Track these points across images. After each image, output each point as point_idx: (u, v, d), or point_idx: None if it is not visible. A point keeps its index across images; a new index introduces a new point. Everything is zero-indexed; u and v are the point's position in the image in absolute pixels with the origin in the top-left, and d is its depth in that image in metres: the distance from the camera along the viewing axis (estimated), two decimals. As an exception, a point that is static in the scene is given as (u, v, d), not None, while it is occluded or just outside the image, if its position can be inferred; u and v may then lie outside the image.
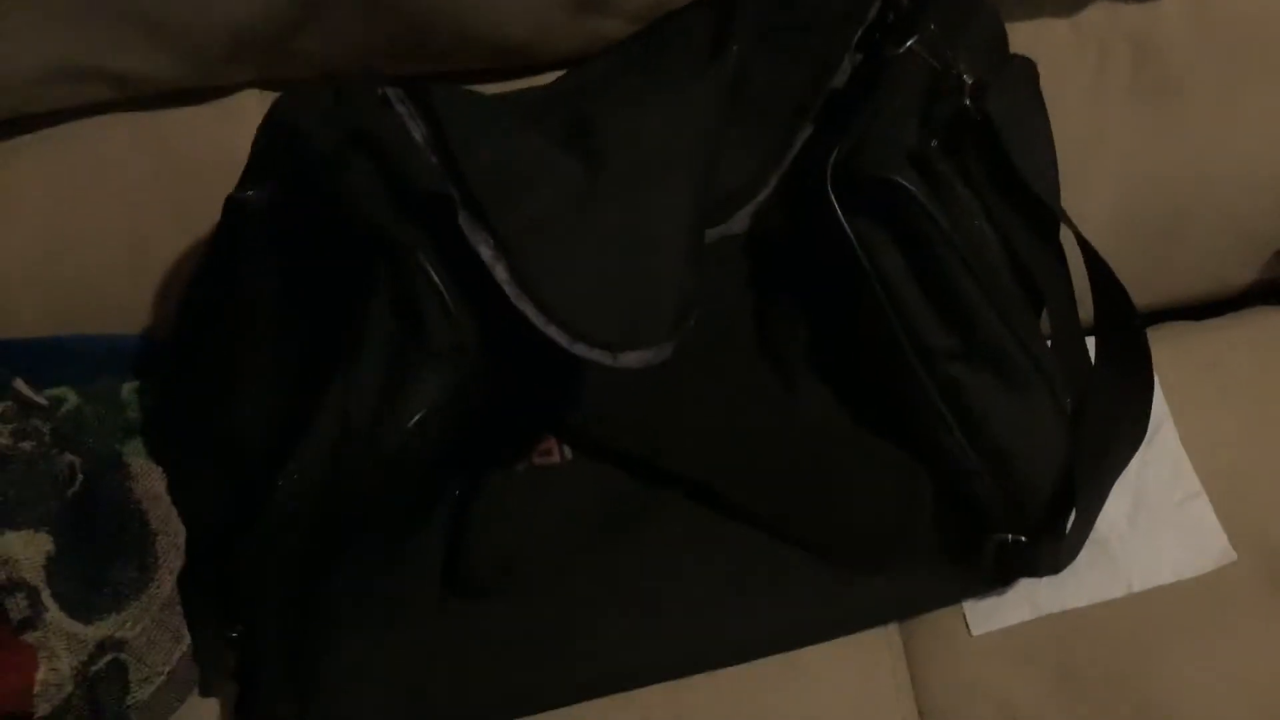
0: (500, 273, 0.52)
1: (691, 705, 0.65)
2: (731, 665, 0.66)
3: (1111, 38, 0.74)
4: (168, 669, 0.61)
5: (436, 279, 0.53)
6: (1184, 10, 0.74)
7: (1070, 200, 0.69)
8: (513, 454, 0.66)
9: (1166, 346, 0.76)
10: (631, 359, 0.52)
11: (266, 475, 0.54)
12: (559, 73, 0.68)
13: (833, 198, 0.62)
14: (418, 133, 0.54)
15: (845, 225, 0.62)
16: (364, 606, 0.60)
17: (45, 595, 0.57)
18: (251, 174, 0.58)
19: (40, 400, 0.64)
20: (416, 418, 0.52)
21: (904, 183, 0.60)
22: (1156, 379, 0.73)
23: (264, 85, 0.69)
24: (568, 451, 0.68)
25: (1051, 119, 0.70)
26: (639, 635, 0.65)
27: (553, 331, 0.51)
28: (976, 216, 0.64)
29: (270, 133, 0.57)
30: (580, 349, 0.51)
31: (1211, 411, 0.74)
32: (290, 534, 0.54)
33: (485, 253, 0.52)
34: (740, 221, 0.70)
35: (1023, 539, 0.66)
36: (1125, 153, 0.75)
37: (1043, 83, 0.70)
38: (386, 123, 0.54)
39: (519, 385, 0.61)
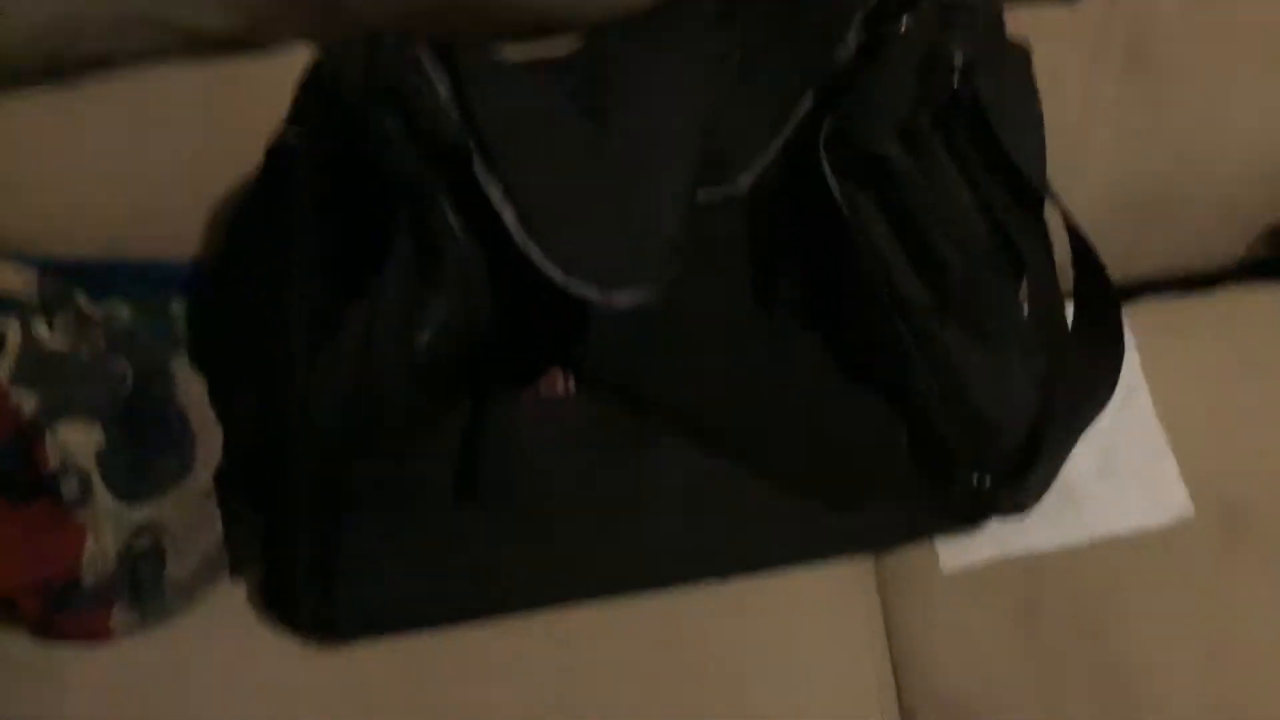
0: (508, 215, 0.58)
1: (672, 618, 0.71)
2: (714, 579, 0.71)
3: (1108, 25, 0.77)
4: (201, 552, 0.68)
5: (451, 218, 0.59)
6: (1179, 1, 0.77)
7: (1061, 178, 0.73)
8: (521, 383, 0.72)
9: (1148, 317, 0.80)
10: (621, 297, 0.58)
11: (296, 381, 0.60)
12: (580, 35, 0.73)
13: (825, 164, 0.67)
14: (443, 89, 0.60)
15: (835, 189, 0.67)
16: (382, 502, 0.66)
17: (95, 479, 0.64)
18: (292, 119, 0.64)
19: (98, 313, 0.71)
20: (427, 336, 0.58)
21: (888, 153, 0.65)
22: (1136, 347, 0.78)
23: (310, 39, 0.74)
24: (572, 385, 0.73)
25: (1045, 102, 0.73)
26: (629, 551, 0.71)
27: (550, 269, 0.57)
28: (958, 187, 0.68)
29: (312, 82, 0.63)
30: (574, 284, 0.57)
31: (1185, 381, 0.78)
32: (315, 432, 0.60)
33: (495, 196, 0.58)
34: (743, 182, 0.75)
35: (988, 481, 0.70)
36: (1116, 134, 0.78)
37: (1038, 66, 0.73)
38: (415, 80, 0.60)
39: (528, 321, 0.67)
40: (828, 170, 0.67)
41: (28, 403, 0.64)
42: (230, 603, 0.69)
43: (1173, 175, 0.79)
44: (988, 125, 0.69)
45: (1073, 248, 0.70)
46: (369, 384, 0.59)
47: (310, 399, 0.60)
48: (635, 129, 0.62)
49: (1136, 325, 0.77)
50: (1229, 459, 0.75)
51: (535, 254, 0.57)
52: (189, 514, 0.67)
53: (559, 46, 0.72)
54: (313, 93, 0.64)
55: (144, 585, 0.66)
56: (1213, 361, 0.79)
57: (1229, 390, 0.78)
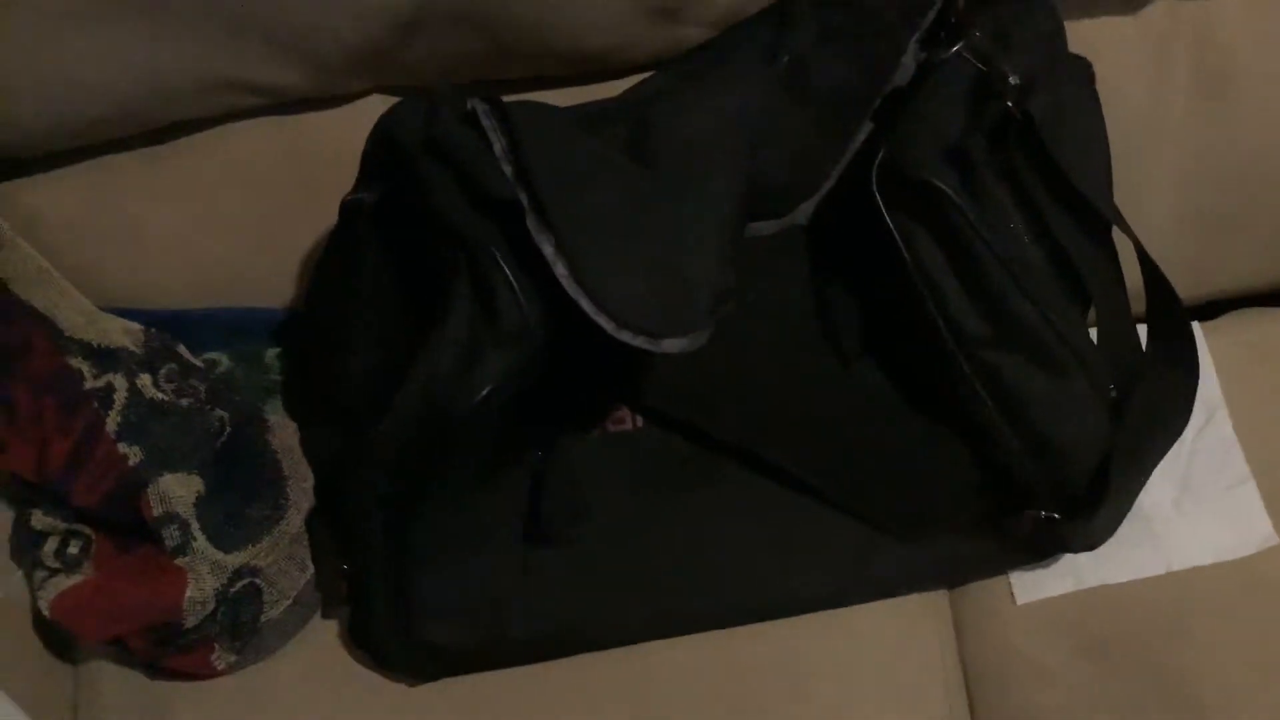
0: (560, 269, 0.60)
1: (740, 651, 0.72)
2: (777, 618, 0.72)
3: (1172, 34, 0.75)
4: (295, 593, 0.72)
5: (508, 272, 0.61)
6: (1243, 5, 0.75)
7: (1132, 193, 0.72)
8: (590, 421, 0.75)
9: (1227, 334, 0.78)
10: (670, 344, 0.59)
11: (365, 432, 0.63)
12: (636, 77, 0.75)
13: (877, 195, 0.67)
14: (498, 145, 0.62)
15: (888, 220, 0.67)
16: (450, 548, 0.69)
17: (194, 528, 0.68)
18: (361, 179, 0.67)
19: (198, 363, 0.75)
20: (485, 391, 0.61)
21: (939, 183, 0.65)
22: (1214, 366, 0.76)
23: (384, 91, 0.77)
24: (639, 420, 0.75)
25: (1112, 115, 0.72)
26: (695, 586, 0.72)
27: (602, 320, 0.59)
28: (1012, 215, 0.68)
29: (375, 143, 0.66)
30: (625, 335, 0.59)
31: (1267, 400, 0.76)
32: (385, 481, 0.64)
33: (548, 251, 0.60)
34: (803, 213, 0.76)
35: (1056, 516, 0.70)
36: (1186, 146, 0.76)
37: (1103, 79, 0.73)
38: (469, 135, 0.63)
39: (591, 363, 0.69)
40: (879, 201, 0.68)
41: (133, 454, 0.69)
42: (325, 640, 0.73)
43: (1246, 182, 0.77)
44: (1044, 148, 0.68)
45: (1143, 271, 0.69)
46: (433, 436, 0.62)
47: (377, 450, 0.63)
48: (682, 176, 0.64)
49: (1215, 344, 0.75)
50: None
51: (587, 306, 0.59)
52: (283, 557, 0.71)
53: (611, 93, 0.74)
54: (376, 152, 0.67)
55: (243, 626, 0.70)
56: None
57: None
